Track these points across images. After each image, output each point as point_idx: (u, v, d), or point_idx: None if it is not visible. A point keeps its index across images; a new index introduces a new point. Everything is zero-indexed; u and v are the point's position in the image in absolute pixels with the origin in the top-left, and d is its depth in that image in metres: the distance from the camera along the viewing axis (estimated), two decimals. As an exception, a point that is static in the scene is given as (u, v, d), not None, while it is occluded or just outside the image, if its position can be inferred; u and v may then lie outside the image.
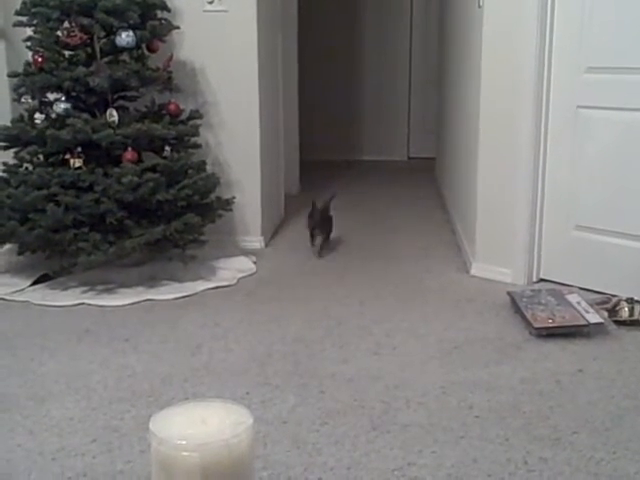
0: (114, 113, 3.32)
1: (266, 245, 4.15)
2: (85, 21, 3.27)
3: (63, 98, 3.33)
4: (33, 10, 3.32)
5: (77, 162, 3.25)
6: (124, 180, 3.18)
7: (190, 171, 3.50)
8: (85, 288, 3.35)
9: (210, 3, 3.86)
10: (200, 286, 3.39)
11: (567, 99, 3.21)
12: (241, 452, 1.27)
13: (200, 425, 1.31)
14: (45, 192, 3.18)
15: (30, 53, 3.38)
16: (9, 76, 3.46)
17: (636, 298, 2.93)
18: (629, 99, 3.04)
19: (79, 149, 3.26)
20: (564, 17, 3.15)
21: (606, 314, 2.89)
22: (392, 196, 5.57)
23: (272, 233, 4.38)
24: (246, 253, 3.90)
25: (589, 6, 3.07)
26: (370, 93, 7.30)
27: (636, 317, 2.87)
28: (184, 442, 1.26)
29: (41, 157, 3.36)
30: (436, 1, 6.49)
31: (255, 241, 4.09)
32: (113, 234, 3.23)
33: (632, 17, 2.98)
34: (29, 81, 3.32)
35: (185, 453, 1.25)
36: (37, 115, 3.33)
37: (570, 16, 3.14)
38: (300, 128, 5.69)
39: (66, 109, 3.30)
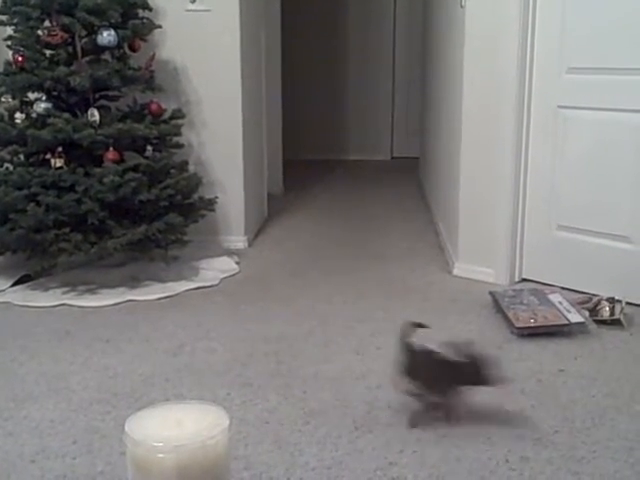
0: (95, 113, 3.30)
1: (249, 245, 4.14)
2: (66, 20, 3.25)
3: (44, 97, 3.32)
4: (13, 9, 3.29)
5: (58, 162, 3.22)
6: (106, 180, 3.16)
7: (172, 171, 3.49)
8: (66, 289, 3.33)
9: (192, 2, 3.85)
10: (182, 286, 3.38)
11: (548, 99, 3.22)
12: (217, 454, 1.27)
13: (176, 427, 1.31)
14: (26, 192, 3.16)
15: (10, 52, 3.36)
16: (-11, 75, 3.44)
17: (617, 297, 2.94)
18: (609, 99, 3.05)
19: (60, 149, 3.23)
20: (545, 18, 3.17)
21: (587, 313, 2.90)
22: (376, 196, 5.57)
23: (255, 233, 4.37)
24: (229, 253, 3.89)
25: (570, 7, 3.09)
26: (354, 92, 7.30)
27: (617, 316, 2.88)
28: (160, 444, 1.25)
29: (22, 157, 3.34)
30: (419, 1, 6.49)
31: (238, 241, 4.07)
32: (95, 234, 3.22)
33: (611, 18, 3.00)
34: (9, 80, 3.30)
35: (161, 455, 1.24)
36: (17, 115, 3.31)
37: (551, 17, 3.15)
38: (283, 127, 5.68)
39: (47, 109, 3.28)
